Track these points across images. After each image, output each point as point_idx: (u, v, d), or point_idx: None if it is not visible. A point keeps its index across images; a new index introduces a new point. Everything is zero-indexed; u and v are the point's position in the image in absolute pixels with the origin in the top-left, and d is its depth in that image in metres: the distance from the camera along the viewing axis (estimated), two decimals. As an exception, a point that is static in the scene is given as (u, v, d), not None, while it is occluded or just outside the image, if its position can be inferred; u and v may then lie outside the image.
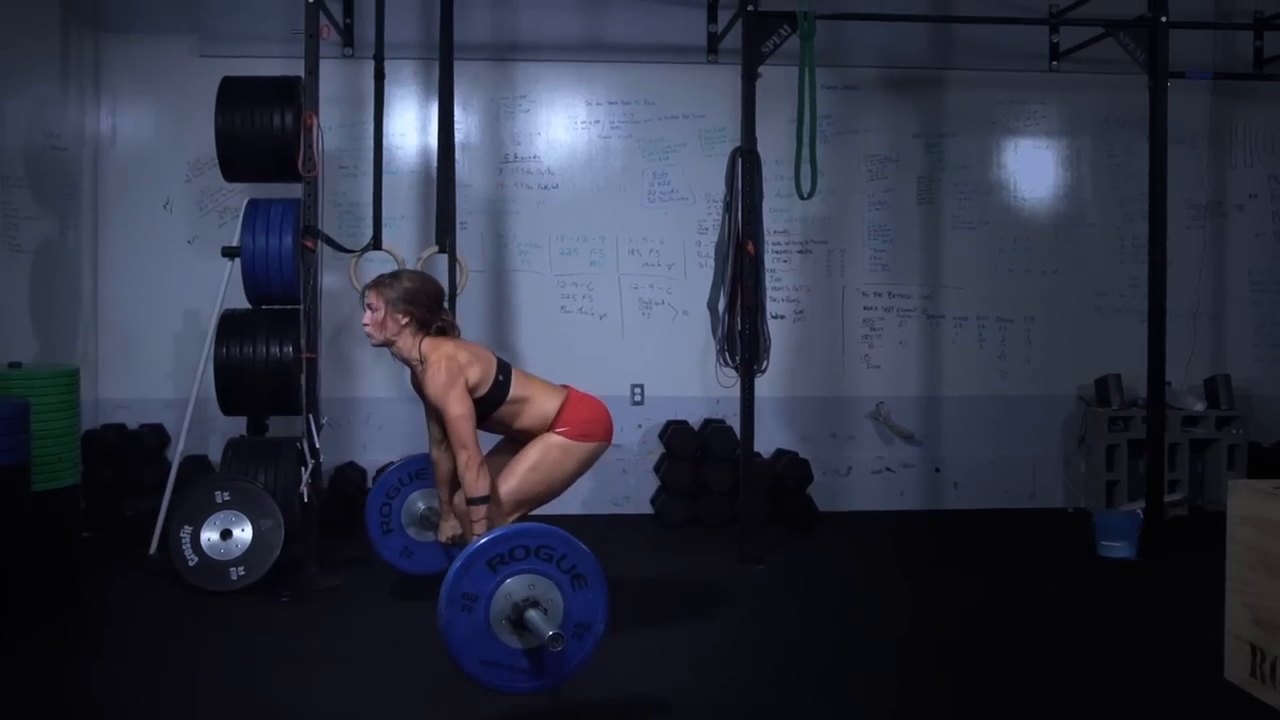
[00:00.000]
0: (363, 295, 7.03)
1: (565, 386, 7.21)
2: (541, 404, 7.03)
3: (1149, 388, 9.99)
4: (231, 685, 6.72)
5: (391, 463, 9.01)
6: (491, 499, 6.69)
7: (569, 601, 5.94)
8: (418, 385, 7.11)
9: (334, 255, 9.65)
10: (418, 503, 8.32)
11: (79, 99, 10.80)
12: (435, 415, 7.17)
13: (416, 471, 8.33)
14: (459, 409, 6.62)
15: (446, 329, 7.03)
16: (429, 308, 6.95)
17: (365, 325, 6.96)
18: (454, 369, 6.69)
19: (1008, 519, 11.33)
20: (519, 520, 6.88)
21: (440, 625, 5.83)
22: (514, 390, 6.99)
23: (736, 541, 9.65)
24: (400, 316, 6.83)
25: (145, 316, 11.05)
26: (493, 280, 11.20)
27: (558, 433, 7.03)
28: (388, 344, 6.95)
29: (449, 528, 7.53)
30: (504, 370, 7.00)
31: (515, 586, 5.85)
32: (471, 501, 6.61)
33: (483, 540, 5.87)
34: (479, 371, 6.85)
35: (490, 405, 6.90)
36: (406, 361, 7.00)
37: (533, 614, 5.78)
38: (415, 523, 8.31)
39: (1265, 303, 12.02)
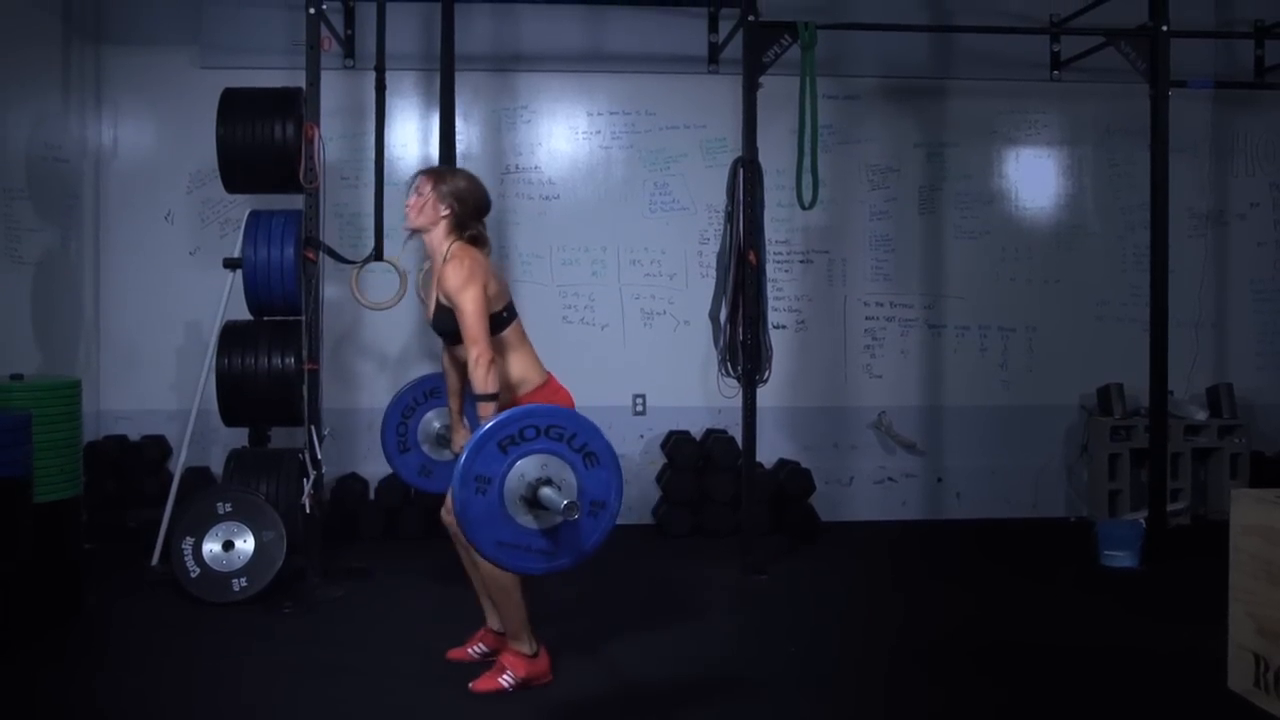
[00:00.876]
0: (413, 179, 6.97)
1: (550, 374, 7.05)
2: (523, 365, 6.85)
3: (1151, 397, 10.02)
4: (233, 697, 6.74)
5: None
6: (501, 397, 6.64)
7: (582, 480, 5.96)
8: (429, 287, 7.03)
9: (335, 266, 9.65)
10: (434, 421, 8.14)
11: (80, 111, 10.83)
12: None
13: (432, 390, 8.15)
14: (473, 305, 6.50)
15: (479, 240, 6.94)
16: (473, 212, 6.87)
17: (408, 206, 6.88)
18: (476, 270, 6.59)
19: (1010, 528, 11.34)
20: None
21: (455, 509, 5.88)
22: (511, 331, 6.85)
23: (739, 552, 9.65)
24: (443, 208, 6.75)
25: (147, 328, 11.06)
26: (494, 291, 11.14)
27: None
28: (422, 230, 6.86)
29: (460, 440, 7.44)
30: (511, 310, 6.91)
31: (528, 466, 5.87)
32: (480, 399, 6.52)
33: (492, 422, 5.89)
34: (495, 288, 6.75)
35: (496, 329, 6.75)
36: (432, 254, 6.90)
37: (546, 491, 5.81)
38: (431, 441, 8.13)
39: (1267, 311, 12.02)
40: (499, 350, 6.68)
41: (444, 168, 6.91)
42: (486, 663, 6.91)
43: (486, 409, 6.44)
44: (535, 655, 6.74)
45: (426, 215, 6.78)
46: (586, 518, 5.98)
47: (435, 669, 7.08)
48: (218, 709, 6.59)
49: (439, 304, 6.75)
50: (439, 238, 6.78)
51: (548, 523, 5.93)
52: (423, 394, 8.21)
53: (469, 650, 7.19)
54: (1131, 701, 6.76)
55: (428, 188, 6.80)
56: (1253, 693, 6.53)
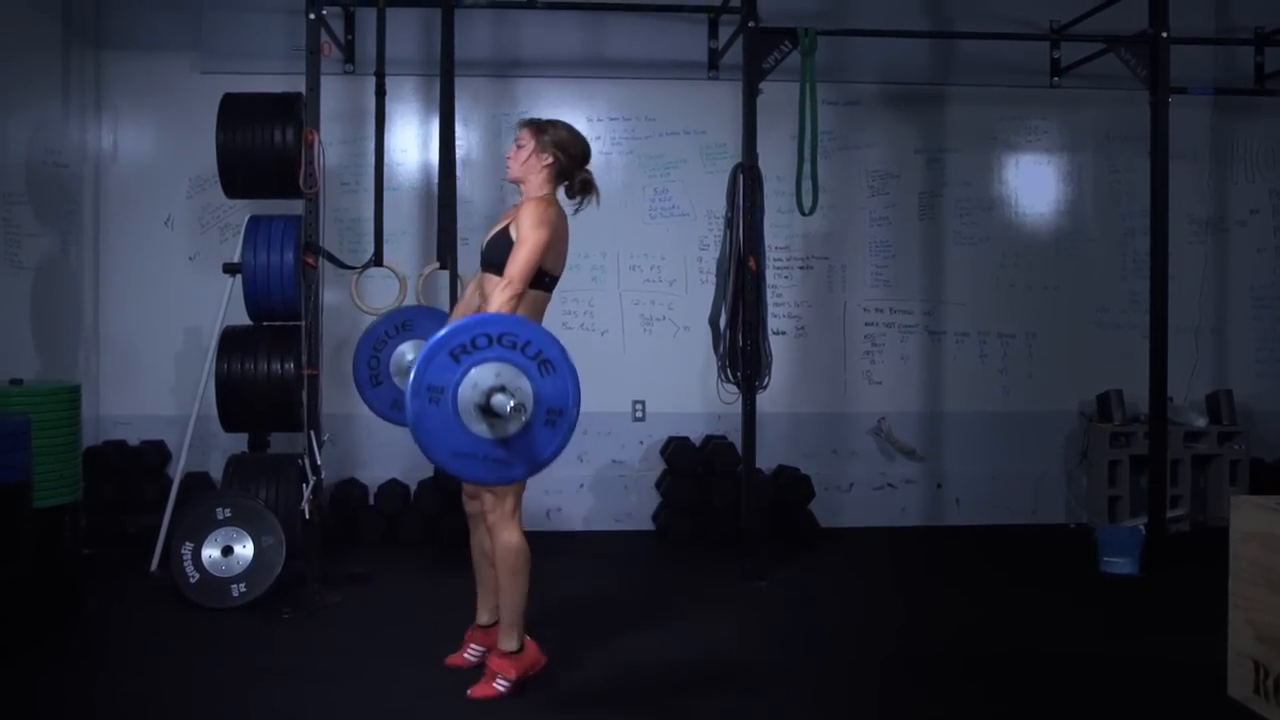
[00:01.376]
0: (516, 131, 6.96)
1: None
2: None
3: (1151, 403, 10.03)
4: (232, 702, 6.75)
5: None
6: None
7: (538, 387, 6.00)
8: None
9: (335, 272, 9.66)
10: (406, 354, 8.10)
11: (80, 116, 10.84)
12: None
13: (403, 323, 8.23)
14: (532, 245, 6.51)
15: (589, 185, 6.99)
16: (578, 160, 6.92)
17: (509, 158, 6.90)
18: (555, 223, 6.67)
19: (1010, 535, 11.34)
20: (519, 498, 6.74)
21: (410, 420, 5.95)
22: (542, 296, 6.83)
23: (738, 558, 9.66)
24: (546, 156, 6.77)
25: (146, 333, 11.08)
26: (494, 296, 11.16)
27: None
28: (520, 180, 6.87)
29: None
30: (555, 281, 6.88)
31: (481, 375, 5.92)
32: None
33: (443, 331, 5.93)
34: (558, 256, 6.80)
35: (533, 285, 6.71)
36: (522, 204, 6.88)
37: (498, 397, 5.86)
38: (403, 373, 7.93)
39: (1267, 318, 12.04)
40: (525, 307, 6.62)
41: (543, 120, 6.89)
42: (484, 664, 6.90)
43: None
44: (521, 650, 6.74)
45: (530, 165, 6.82)
46: (543, 427, 6.03)
47: (434, 675, 7.09)
48: (216, 715, 6.60)
49: (501, 232, 6.78)
50: (537, 186, 6.81)
51: (503, 431, 5.97)
52: (394, 327, 8.26)
53: (465, 655, 7.20)
54: (1131, 709, 6.78)
55: (529, 139, 6.84)
56: (1252, 700, 6.54)
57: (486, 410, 5.95)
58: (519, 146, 6.87)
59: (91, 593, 8.50)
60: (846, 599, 9.22)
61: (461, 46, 10.12)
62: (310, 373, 8.90)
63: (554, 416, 6.09)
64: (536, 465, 6.15)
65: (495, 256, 6.75)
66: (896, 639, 8.11)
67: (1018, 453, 11.75)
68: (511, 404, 5.82)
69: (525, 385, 5.96)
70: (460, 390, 5.93)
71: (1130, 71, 10.01)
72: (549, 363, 6.06)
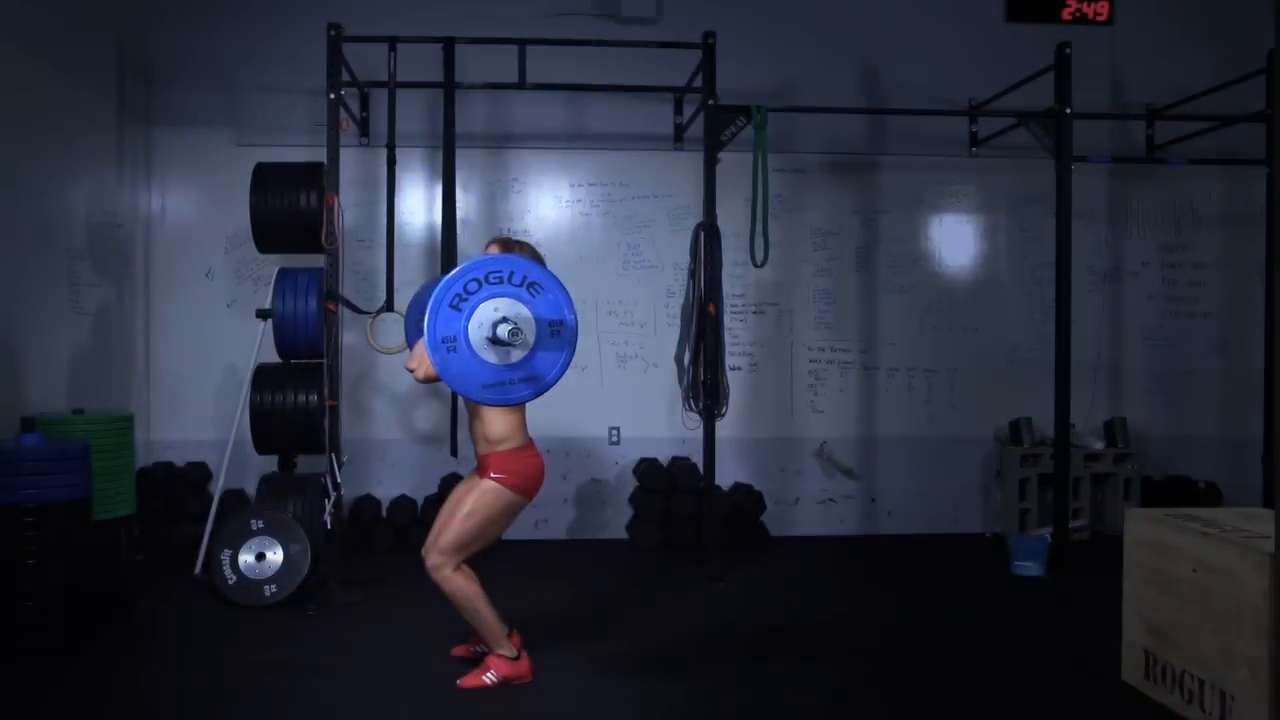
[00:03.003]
0: (486, 247, 6.92)
1: (531, 441, 6.91)
2: (513, 425, 6.69)
3: (1056, 429, 10.08)
4: (264, 687, 6.81)
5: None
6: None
7: (533, 308, 6.06)
8: None
9: (353, 316, 9.71)
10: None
11: (133, 183, 10.90)
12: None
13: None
14: None
15: None
16: None
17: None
18: None
19: (934, 542, 11.35)
20: (459, 565, 6.67)
21: (439, 373, 6.03)
22: None
23: (700, 563, 9.73)
24: None
25: (190, 369, 11.11)
26: (490, 337, 11.15)
27: (493, 478, 6.65)
28: None
29: None
30: None
31: (483, 314, 5.98)
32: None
33: (439, 288, 6.01)
34: None
35: None
36: None
37: (501, 328, 5.92)
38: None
39: (1156, 356, 12.04)
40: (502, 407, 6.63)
41: (511, 239, 6.94)
42: (482, 656, 6.94)
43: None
44: (517, 659, 6.76)
45: None
46: (551, 340, 6.08)
47: (439, 664, 7.11)
48: (250, 698, 6.65)
49: None
50: None
51: (518, 355, 6.02)
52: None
53: (471, 648, 7.25)
54: (1037, 693, 6.85)
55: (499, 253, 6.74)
56: (1143, 684, 6.63)
57: (496, 341, 6.02)
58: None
59: (143, 593, 8.55)
60: (794, 598, 9.24)
61: (461, 122, 10.13)
62: (331, 403, 8.94)
63: (556, 328, 6.13)
64: (559, 371, 6.21)
65: None
66: (838, 632, 8.15)
67: (941, 471, 11.76)
68: (509, 329, 5.91)
69: (523, 310, 6.01)
70: (469, 333, 5.99)
71: (1038, 143, 10.11)
72: (536, 284, 6.09)
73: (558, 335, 6.17)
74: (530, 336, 6.08)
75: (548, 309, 6.14)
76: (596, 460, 11.50)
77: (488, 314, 6.01)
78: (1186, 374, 12.14)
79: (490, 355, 6.05)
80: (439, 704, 6.57)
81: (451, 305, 5.99)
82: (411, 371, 6.72)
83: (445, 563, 6.62)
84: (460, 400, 7.30)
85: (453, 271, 6.15)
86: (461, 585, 6.64)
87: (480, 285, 6.03)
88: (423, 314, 8.07)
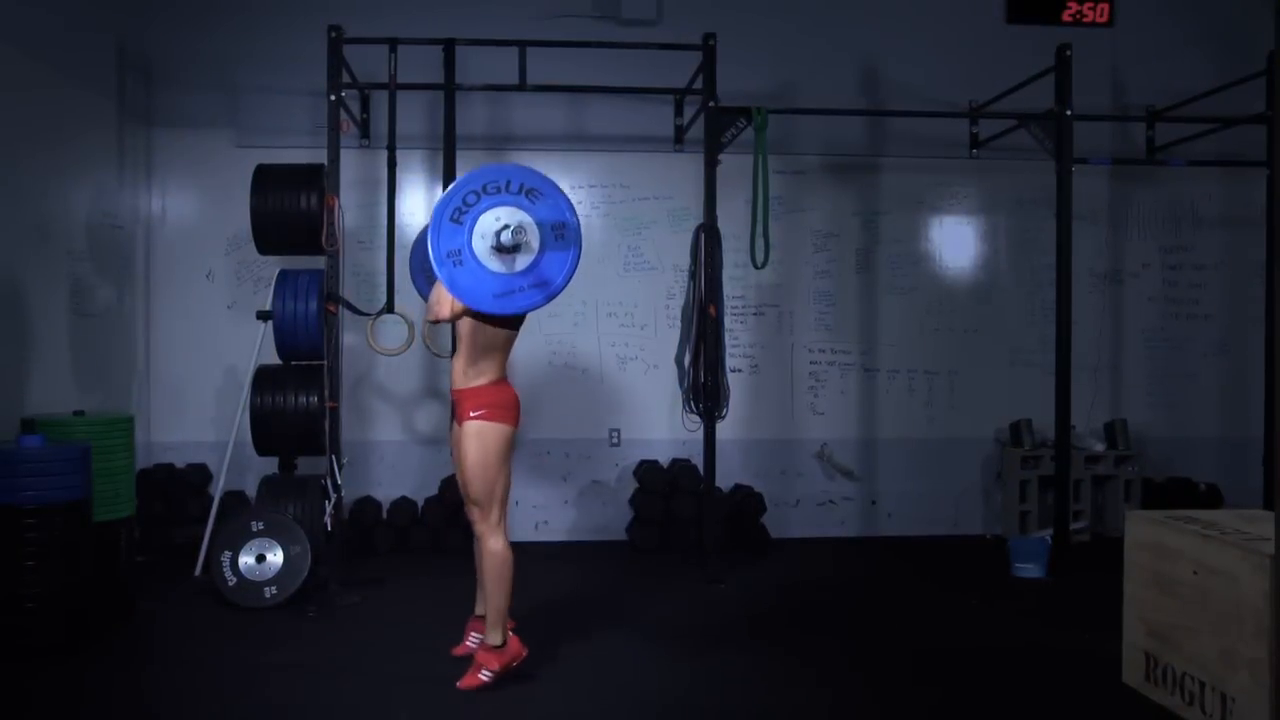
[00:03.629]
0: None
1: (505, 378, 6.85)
2: (493, 367, 6.69)
3: (1056, 431, 10.10)
4: (264, 690, 6.82)
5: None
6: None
7: (533, 213, 6.08)
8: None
9: (353, 318, 9.70)
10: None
11: (133, 185, 10.91)
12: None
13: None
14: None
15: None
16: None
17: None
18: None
19: (934, 544, 11.37)
20: (502, 520, 6.76)
21: (448, 288, 6.08)
22: (506, 336, 6.71)
23: (700, 564, 9.74)
24: None
25: (191, 371, 11.12)
26: (490, 339, 11.15)
27: (472, 417, 6.65)
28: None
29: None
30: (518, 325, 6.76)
31: (485, 225, 6.02)
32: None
33: (437, 205, 6.06)
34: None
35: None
36: None
37: (505, 234, 5.98)
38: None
39: (1156, 357, 12.07)
40: (488, 341, 6.65)
41: None
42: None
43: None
44: (504, 645, 6.75)
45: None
46: (556, 243, 6.11)
47: (439, 664, 7.12)
48: (251, 701, 6.65)
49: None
50: None
51: (524, 261, 6.04)
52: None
53: (467, 643, 7.23)
54: (1039, 695, 6.86)
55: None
56: (1144, 686, 6.65)
57: (501, 249, 6.03)
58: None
59: (143, 595, 8.56)
60: (793, 599, 9.23)
61: (461, 124, 10.15)
62: (332, 405, 8.95)
63: (559, 230, 6.16)
64: (569, 272, 6.23)
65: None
66: (838, 634, 8.16)
67: (941, 473, 11.77)
68: (513, 234, 5.94)
69: (524, 216, 6.03)
70: (473, 245, 6.02)
71: (1039, 144, 10.12)
72: (534, 190, 6.12)
73: (562, 238, 6.18)
74: (534, 241, 6.08)
75: (549, 212, 6.16)
76: (597, 462, 11.49)
77: (489, 224, 6.05)
78: (1187, 376, 12.15)
79: (496, 264, 6.07)
80: (439, 705, 6.57)
81: (452, 219, 6.02)
82: (435, 321, 6.68)
83: (488, 518, 6.73)
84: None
85: (449, 187, 6.14)
86: (503, 551, 6.72)
87: (479, 197, 6.07)
88: (424, 253, 8.10)
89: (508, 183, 6.10)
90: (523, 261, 6.10)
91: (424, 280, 8.37)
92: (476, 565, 7.05)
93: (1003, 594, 9.39)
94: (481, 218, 6.06)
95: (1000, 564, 10.08)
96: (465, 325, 6.67)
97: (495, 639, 6.75)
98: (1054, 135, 10.01)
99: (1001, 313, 11.94)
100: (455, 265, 6.03)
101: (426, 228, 8.12)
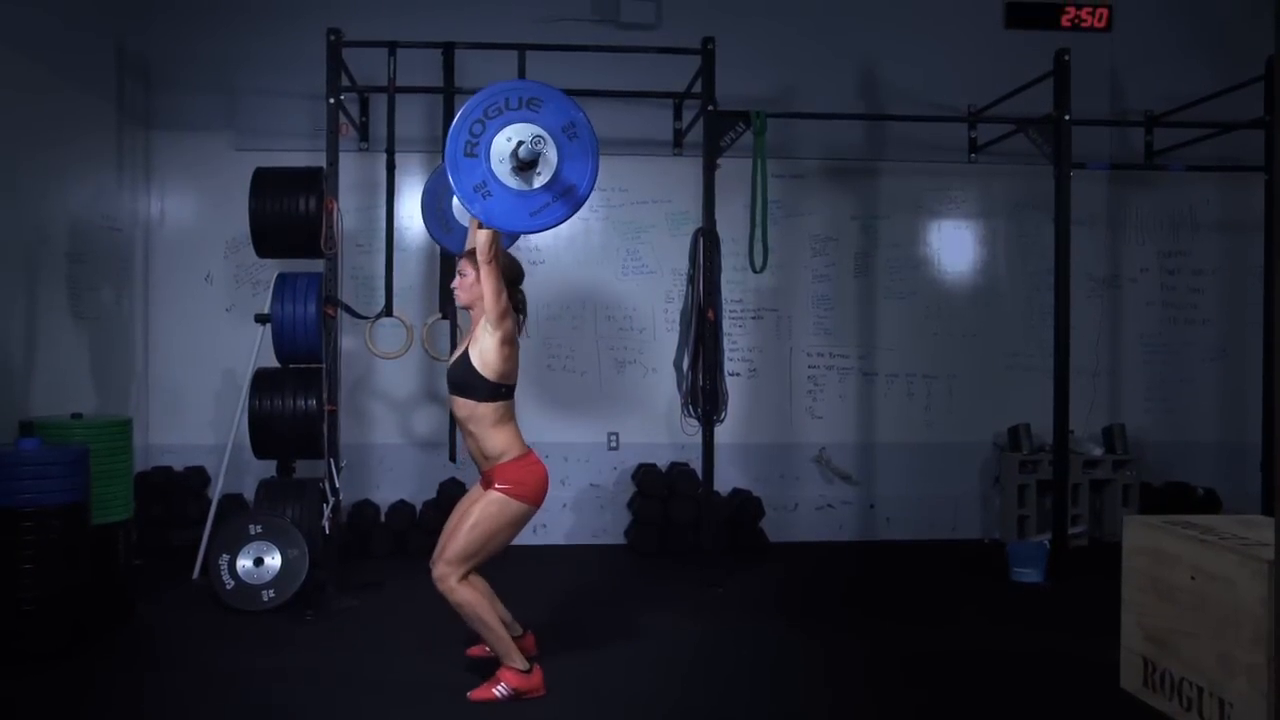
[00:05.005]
0: (455, 261, 7.01)
1: (530, 449, 6.84)
2: (508, 438, 6.70)
3: (1054, 435, 10.10)
4: (262, 694, 6.81)
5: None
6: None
7: (541, 121, 6.06)
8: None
9: (351, 321, 9.69)
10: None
11: (132, 187, 10.90)
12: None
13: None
14: (504, 303, 6.50)
15: (523, 302, 6.99)
16: (512, 280, 6.83)
17: (455, 288, 6.88)
18: (510, 319, 6.63)
19: (933, 548, 11.34)
20: (466, 576, 6.64)
21: (484, 221, 6.12)
22: (507, 405, 6.74)
23: (698, 568, 9.71)
24: None
25: (189, 374, 11.11)
26: (489, 342, 11.15)
27: (499, 489, 6.64)
28: (468, 306, 6.85)
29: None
30: (512, 390, 6.78)
31: (499, 147, 6.02)
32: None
33: (447, 146, 6.04)
34: (516, 360, 6.74)
35: (501, 397, 6.69)
36: (475, 320, 6.82)
37: (523, 149, 5.97)
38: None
39: (1155, 362, 12.08)
40: (494, 418, 6.66)
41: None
42: (494, 660, 6.89)
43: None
44: (529, 672, 6.71)
45: (473, 293, 6.79)
46: (569, 144, 6.09)
47: (438, 669, 7.14)
48: (248, 705, 6.65)
49: (462, 356, 6.72)
50: (481, 312, 6.69)
51: (547, 172, 6.06)
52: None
53: (485, 648, 7.25)
54: (1037, 700, 6.86)
55: (469, 269, 6.79)
56: (1142, 691, 6.64)
57: (523, 166, 6.04)
58: (462, 275, 6.86)
59: (141, 598, 8.56)
60: (792, 603, 9.24)
61: (461, 127, 10.16)
62: (330, 408, 8.93)
63: (570, 131, 6.14)
64: (592, 173, 6.21)
65: (460, 379, 6.73)
66: (836, 638, 8.16)
67: (940, 478, 11.77)
68: (528, 142, 5.94)
69: (534, 129, 6.00)
70: (495, 171, 6.01)
71: (1037, 149, 10.13)
72: (534, 100, 6.09)
73: (575, 138, 6.16)
74: (551, 151, 6.08)
75: (555, 115, 6.13)
76: (595, 466, 11.50)
77: (503, 146, 6.03)
78: (1185, 380, 12.16)
79: (521, 183, 6.06)
80: (437, 709, 6.58)
81: (467, 154, 6.00)
82: (484, 263, 6.63)
83: (451, 573, 6.61)
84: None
85: (452, 126, 6.14)
86: (468, 596, 6.62)
87: (484, 125, 6.04)
88: (435, 196, 8.08)
89: (506, 100, 6.07)
90: (544, 176, 6.09)
91: (436, 224, 8.42)
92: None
93: (1001, 599, 9.37)
94: (494, 142, 6.03)
95: (999, 569, 10.06)
96: (464, 405, 6.73)
97: (518, 664, 6.72)
98: (1052, 140, 10.01)
99: (1000, 317, 11.95)
100: (485, 198, 6.01)
101: (437, 170, 8.21)
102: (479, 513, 6.64)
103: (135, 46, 10.94)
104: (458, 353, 6.85)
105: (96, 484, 7.87)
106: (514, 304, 6.83)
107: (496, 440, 6.69)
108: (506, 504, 6.64)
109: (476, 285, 6.68)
